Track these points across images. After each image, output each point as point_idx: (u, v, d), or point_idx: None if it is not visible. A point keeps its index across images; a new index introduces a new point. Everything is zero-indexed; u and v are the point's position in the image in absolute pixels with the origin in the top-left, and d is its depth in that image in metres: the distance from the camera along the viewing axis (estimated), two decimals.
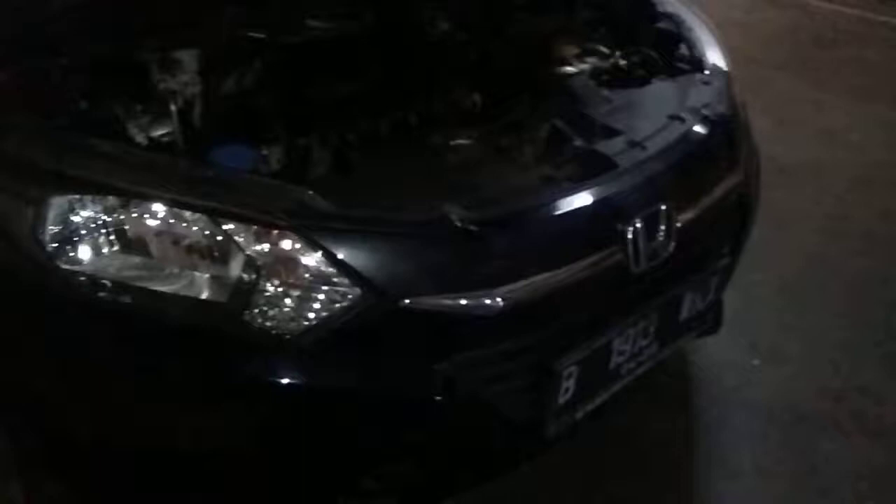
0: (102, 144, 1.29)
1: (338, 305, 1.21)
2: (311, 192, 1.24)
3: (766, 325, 2.41)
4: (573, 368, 1.40)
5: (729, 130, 1.70)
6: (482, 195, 1.35)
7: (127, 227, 1.22)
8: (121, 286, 1.20)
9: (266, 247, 1.21)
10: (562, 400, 1.42)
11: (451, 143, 1.55)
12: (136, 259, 1.22)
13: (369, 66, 1.77)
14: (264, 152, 1.49)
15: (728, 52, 1.97)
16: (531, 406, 1.40)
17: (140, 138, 1.51)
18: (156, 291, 1.21)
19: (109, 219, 1.22)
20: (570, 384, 1.41)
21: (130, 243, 1.23)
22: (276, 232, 1.20)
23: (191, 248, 1.23)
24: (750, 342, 2.34)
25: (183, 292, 1.21)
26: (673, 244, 1.46)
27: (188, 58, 1.64)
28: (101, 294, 1.20)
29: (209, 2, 1.77)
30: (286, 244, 1.21)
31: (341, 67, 1.75)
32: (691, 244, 1.52)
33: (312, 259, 1.20)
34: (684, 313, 1.62)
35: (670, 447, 2.00)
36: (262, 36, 1.78)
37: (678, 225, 1.47)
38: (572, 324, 1.39)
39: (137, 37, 1.63)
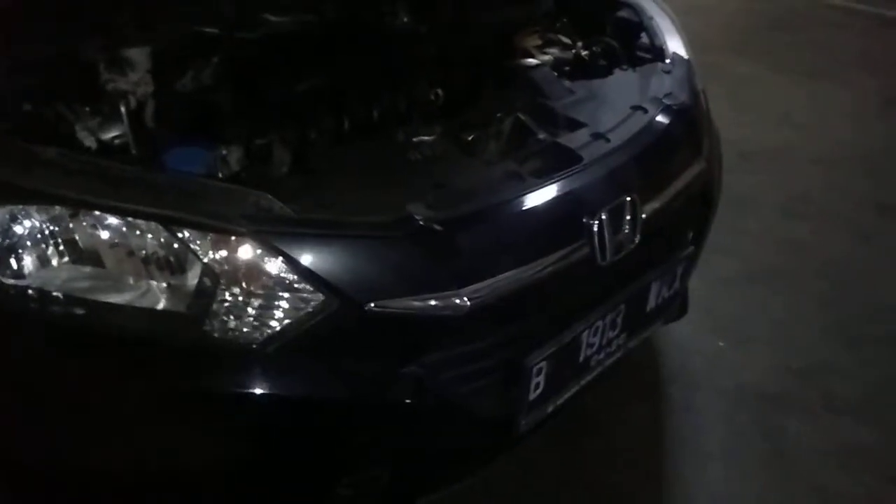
0: (46, 151, 1.23)
1: (301, 312, 1.18)
2: (269, 196, 1.20)
3: (730, 308, 2.44)
4: (543, 364, 1.39)
5: (691, 119, 1.70)
6: (446, 193, 1.33)
7: (77, 238, 1.17)
8: (72, 299, 1.15)
9: (224, 254, 1.17)
10: (533, 395, 1.41)
11: (414, 139, 1.52)
12: (88, 270, 1.17)
13: (329, 61, 1.73)
14: (223, 152, 1.45)
15: (687, 38, 1.98)
16: (502, 403, 1.39)
17: (89, 142, 1.45)
18: (110, 304, 1.16)
19: (57, 229, 1.17)
20: (541, 379, 1.40)
21: (81, 254, 1.18)
22: (233, 239, 1.17)
23: (146, 258, 1.18)
24: (715, 325, 2.37)
25: (138, 303, 1.17)
26: (638, 236, 1.46)
27: (139, 56, 1.58)
28: (51, 308, 1.15)
29: None
30: (245, 251, 1.17)
31: (300, 63, 1.71)
32: (656, 235, 1.52)
33: (273, 265, 1.17)
34: (651, 303, 1.62)
35: (640, 433, 2.02)
36: (217, 31, 1.73)
37: (643, 216, 1.47)
38: (541, 319, 1.38)
39: (85, 35, 1.56)
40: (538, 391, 1.41)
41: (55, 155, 1.22)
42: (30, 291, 1.16)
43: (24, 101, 1.44)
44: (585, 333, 1.46)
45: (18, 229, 1.18)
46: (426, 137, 1.52)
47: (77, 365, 1.17)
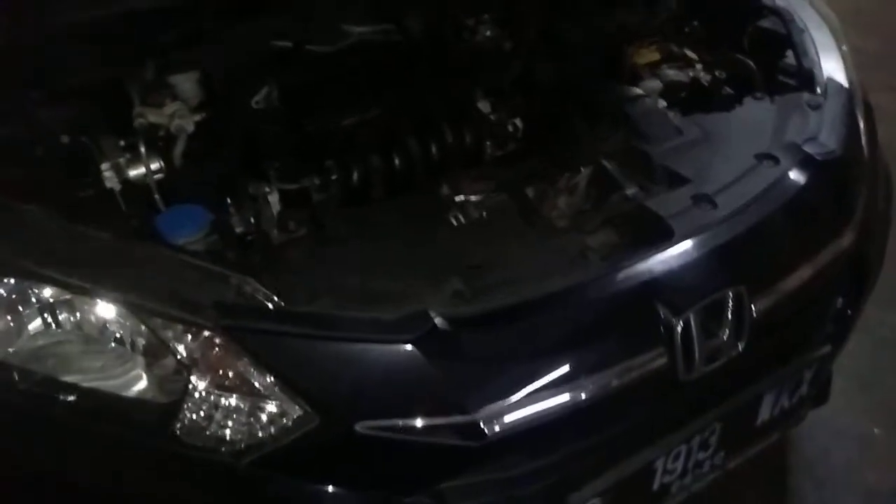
0: (26, 212, 1.10)
1: (277, 426, 0.97)
2: (252, 281, 1.00)
3: (893, 382, 1.96)
4: (597, 501, 1.08)
5: (841, 174, 1.28)
6: (479, 279, 1.05)
7: (37, 307, 1.03)
8: (28, 373, 1.02)
9: (194, 347, 0.98)
10: None
11: (457, 199, 1.24)
12: (47, 344, 1.03)
13: (391, 87, 1.49)
14: (228, 206, 1.27)
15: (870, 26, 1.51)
16: None
17: (112, 182, 1.32)
18: (67, 383, 1.02)
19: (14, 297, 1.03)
20: None
21: (42, 326, 1.04)
22: (204, 332, 0.98)
23: (116, 340, 1.03)
24: (871, 404, 1.92)
25: (93, 383, 1.01)
26: (745, 340, 1.10)
27: (183, 83, 1.43)
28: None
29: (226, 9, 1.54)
30: (214, 347, 0.98)
31: (360, 90, 1.49)
32: (774, 335, 1.15)
33: (244, 367, 0.97)
34: (763, 416, 1.25)
35: None
36: (290, 45, 1.56)
37: (754, 313, 1.10)
38: (594, 447, 1.07)
39: (132, 61, 1.43)
40: None
41: (33, 218, 1.08)
42: None
43: (61, 134, 1.34)
44: (661, 460, 1.13)
45: None
46: (473, 197, 1.23)
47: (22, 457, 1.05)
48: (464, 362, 0.99)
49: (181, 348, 0.99)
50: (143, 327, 1.01)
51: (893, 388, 1.96)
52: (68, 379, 1.03)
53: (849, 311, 1.32)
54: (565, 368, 1.02)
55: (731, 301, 1.09)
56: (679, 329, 1.05)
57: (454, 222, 1.21)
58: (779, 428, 1.32)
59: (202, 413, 0.99)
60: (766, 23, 1.57)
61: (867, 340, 1.91)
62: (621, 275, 1.06)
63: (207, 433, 0.99)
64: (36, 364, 1.04)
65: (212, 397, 0.98)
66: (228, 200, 1.27)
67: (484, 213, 1.22)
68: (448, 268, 1.07)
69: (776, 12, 1.56)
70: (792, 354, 1.24)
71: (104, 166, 1.33)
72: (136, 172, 1.34)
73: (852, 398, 1.89)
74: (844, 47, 1.49)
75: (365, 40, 1.61)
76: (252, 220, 1.30)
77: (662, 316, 1.05)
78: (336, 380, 0.97)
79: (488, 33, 1.61)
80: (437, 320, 0.97)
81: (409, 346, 0.96)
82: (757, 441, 1.30)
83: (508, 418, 0.98)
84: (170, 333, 0.98)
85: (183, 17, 1.43)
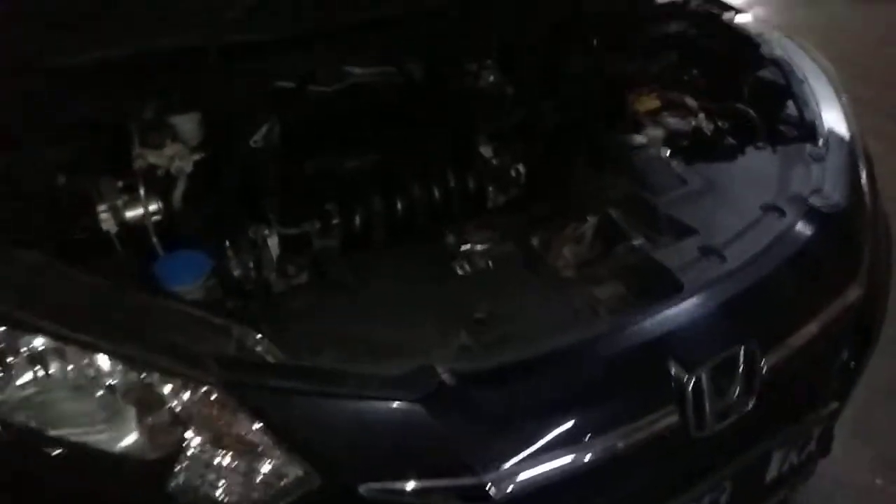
0: (27, 257, 1.06)
1: (275, 487, 0.93)
2: (254, 334, 0.96)
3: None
4: None
5: (847, 227, 1.27)
6: (486, 333, 1.03)
7: (27, 357, 0.98)
8: (12, 425, 0.96)
9: (192, 401, 0.95)
10: None
11: (462, 248, 1.22)
12: (34, 394, 0.98)
13: (392, 131, 1.48)
14: (228, 252, 1.23)
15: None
16: None
17: (109, 224, 1.29)
18: (53, 437, 0.97)
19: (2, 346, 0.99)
20: None
21: (32, 377, 0.99)
22: (205, 387, 0.94)
23: (107, 388, 0.98)
24: (874, 454, 1.90)
25: (81, 437, 0.96)
26: (755, 396, 1.08)
27: (184, 123, 1.41)
28: None
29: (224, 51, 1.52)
30: (212, 401, 0.94)
31: (360, 134, 1.48)
32: (783, 392, 1.13)
33: (242, 423, 0.93)
34: (772, 473, 1.22)
35: None
36: (292, 85, 1.54)
37: (764, 370, 1.08)
38: None
39: (131, 99, 1.41)
40: None
41: (26, 262, 1.04)
42: None
43: (58, 174, 1.31)
44: None
45: None
46: (479, 246, 1.21)
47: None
48: (471, 421, 0.96)
49: (178, 403, 0.95)
50: (135, 378, 0.97)
51: (894, 438, 1.94)
52: (55, 432, 0.99)
53: (853, 364, 1.30)
54: (575, 427, 0.99)
55: (742, 358, 1.07)
56: (690, 387, 1.03)
57: (460, 272, 1.19)
58: (787, 485, 1.29)
59: (197, 471, 0.95)
60: (765, 73, 1.59)
61: (867, 390, 1.89)
62: (632, 330, 1.04)
63: (201, 492, 0.95)
64: (21, 415, 1.00)
65: (208, 454, 0.94)
66: (227, 244, 1.23)
67: (490, 263, 1.20)
68: (454, 320, 1.05)
69: (775, 63, 1.57)
70: (802, 410, 1.22)
71: (101, 208, 1.30)
72: (133, 214, 1.32)
73: (853, 449, 1.86)
74: (844, 98, 1.50)
75: (366, 82, 1.61)
76: (251, 264, 1.28)
77: (674, 373, 1.03)
78: (339, 438, 0.93)
79: (491, 78, 1.61)
80: (445, 377, 0.94)
81: (415, 404, 0.93)
82: (765, 499, 1.27)
83: (517, 479, 0.95)
84: (167, 387, 0.95)
85: (184, 58, 1.42)
